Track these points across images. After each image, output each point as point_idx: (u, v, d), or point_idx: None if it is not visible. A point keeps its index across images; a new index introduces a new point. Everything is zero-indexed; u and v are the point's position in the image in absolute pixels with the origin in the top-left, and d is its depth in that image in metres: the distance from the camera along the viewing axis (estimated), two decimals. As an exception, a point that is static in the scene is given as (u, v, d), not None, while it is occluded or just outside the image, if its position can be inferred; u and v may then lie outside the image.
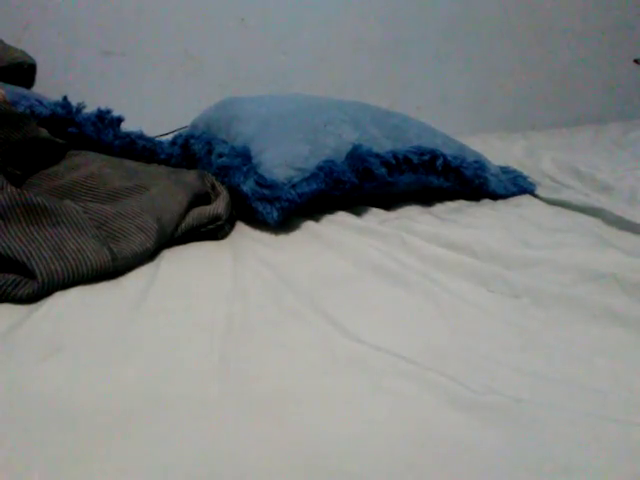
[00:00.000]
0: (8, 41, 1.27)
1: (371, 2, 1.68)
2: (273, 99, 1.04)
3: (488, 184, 1.00)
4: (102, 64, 1.51)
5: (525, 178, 1.08)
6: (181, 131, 1.09)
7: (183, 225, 0.76)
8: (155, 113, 1.53)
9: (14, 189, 0.63)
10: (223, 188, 0.87)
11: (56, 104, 0.88)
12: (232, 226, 0.85)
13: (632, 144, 1.45)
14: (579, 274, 0.62)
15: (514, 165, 1.17)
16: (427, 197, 1.00)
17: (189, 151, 1.01)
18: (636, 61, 1.98)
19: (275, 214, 0.79)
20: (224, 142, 0.94)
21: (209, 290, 0.61)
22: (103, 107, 0.94)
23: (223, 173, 0.89)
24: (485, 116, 1.87)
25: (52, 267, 0.60)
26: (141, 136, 0.99)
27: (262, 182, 0.82)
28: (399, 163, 0.92)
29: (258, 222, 0.84)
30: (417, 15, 1.73)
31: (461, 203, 0.99)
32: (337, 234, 0.77)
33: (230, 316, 0.55)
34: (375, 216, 0.90)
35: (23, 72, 1.18)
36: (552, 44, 1.88)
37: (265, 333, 0.52)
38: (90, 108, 0.93)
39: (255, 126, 0.92)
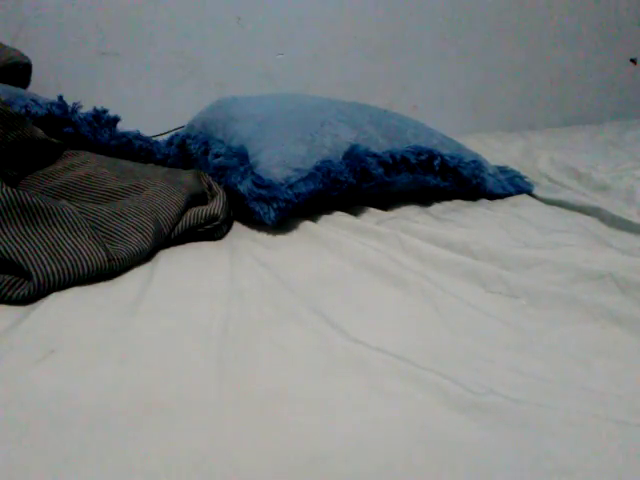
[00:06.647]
0: (3, 41, 1.27)
1: (368, 1, 1.68)
2: (270, 99, 1.03)
3: (486, 184, 1.01)
4: (98, 64, 1.51)
5: (523, 178, 1.08)
6: (178, 131, 1.08)
7: (180, 225, 0.76)
8: (152, 113, 1.53)
9: (10, 189, 0.63)
10: (220, 188, 0.86)
11: (52, 104, 0.88)
12: (229, 226, 0.85)
13: (629, 144, 1.46)
14: (577, 274, 0.62)
15: (512, 165, 1.17)
16: (424, 197, 1.00)
17: (186, 151, 1.01)
18: (632, 61, 1.98)
19: (272, 214, 0.79)
20: (221, 142, 0.94)
21: (206, 290, 0.61)
22: (99, 107, 0.94)
23: (220, 173, 0.89)
24: (482, 116, 1.87)
25: (48, 268, 0.59)
26: (137, 136, 0.99)
27: (259, 182, 0.81)
28: (396, 163, 0.92)
29: (255, 222, 0.84)
30: (414, 15, 1.73)
31: (458, 203, 0.99)
32: (335, 234, 0.77)
33: (227, 317, 0.55)
34: (373, 216, 0.89)
35: (18, 72, 1.18)
36: (549, 44, 1.89)
37: (263, 334, 0.52)
38: (86, 108, 0.92)
39: (252, 126, 0.92)
